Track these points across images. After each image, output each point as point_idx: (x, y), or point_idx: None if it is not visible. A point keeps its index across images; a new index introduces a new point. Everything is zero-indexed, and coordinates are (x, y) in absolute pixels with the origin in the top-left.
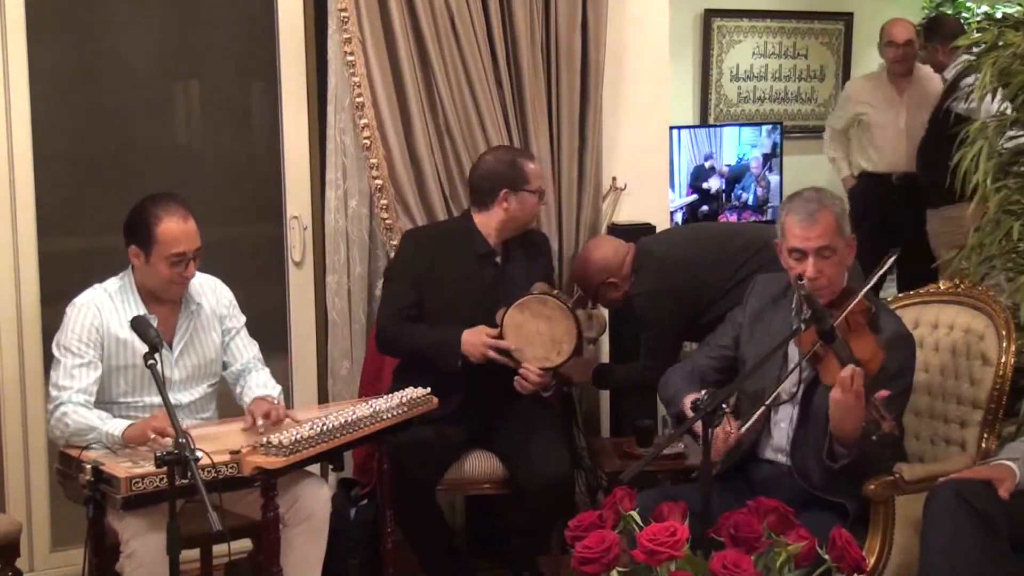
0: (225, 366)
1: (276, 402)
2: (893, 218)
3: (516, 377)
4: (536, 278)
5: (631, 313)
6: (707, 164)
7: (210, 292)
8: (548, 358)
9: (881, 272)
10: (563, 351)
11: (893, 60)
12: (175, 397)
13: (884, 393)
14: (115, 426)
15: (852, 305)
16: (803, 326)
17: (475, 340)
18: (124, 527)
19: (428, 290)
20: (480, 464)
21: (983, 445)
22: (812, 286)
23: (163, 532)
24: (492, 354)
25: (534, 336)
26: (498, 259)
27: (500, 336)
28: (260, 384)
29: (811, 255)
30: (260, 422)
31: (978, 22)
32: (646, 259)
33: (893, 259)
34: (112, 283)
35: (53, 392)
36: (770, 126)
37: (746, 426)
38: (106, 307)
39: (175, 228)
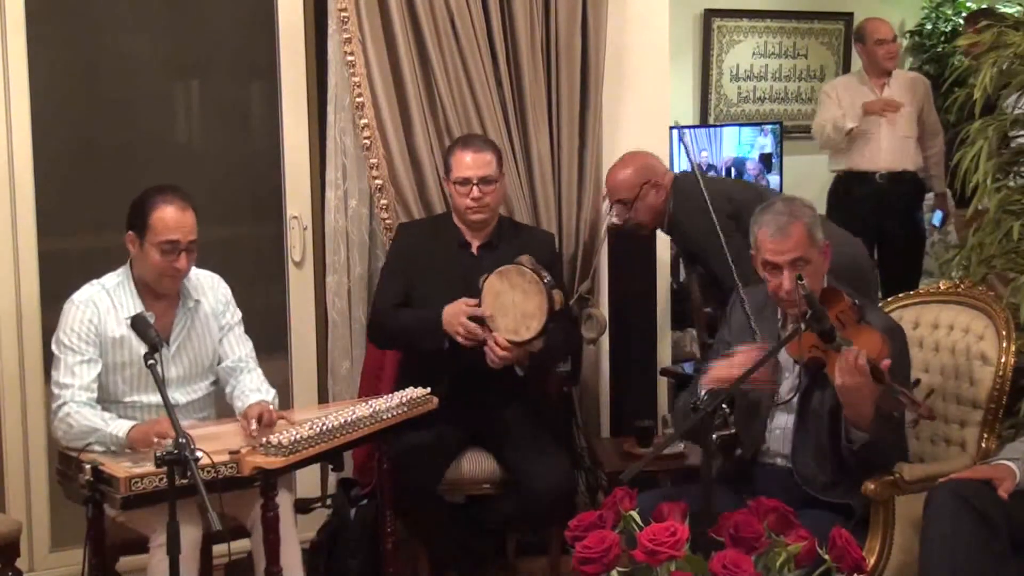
0: (218, 361)
1: (271, 406)
2: (877, 217)
3: (486, 348)
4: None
5: (686, 243)
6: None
7: (209, 289)
8: (517, 331)
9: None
10: (531, 327)
11: (886, 57)
12: (173, 396)
13: (887, 363)
14: (119, 427)
15: (839, 303)
16: (802, 327)
17: (453, 311)
18: (153, 521)
19: (414, 280)
20: (479, 464)
21: (983, 445)
22: (788, 298)
23: (192, 524)
24: (469, 324)
25: (509, 307)
26: (473, 250)
27: (479, 303)
28: (254, 388)
29: (785, 268)
30: (254, 425)
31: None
32: (686, 182)
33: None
34: (110, 279)
35: (56, 391)
36: (770, 126)
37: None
38: (103, 304)
39: (169, 216)
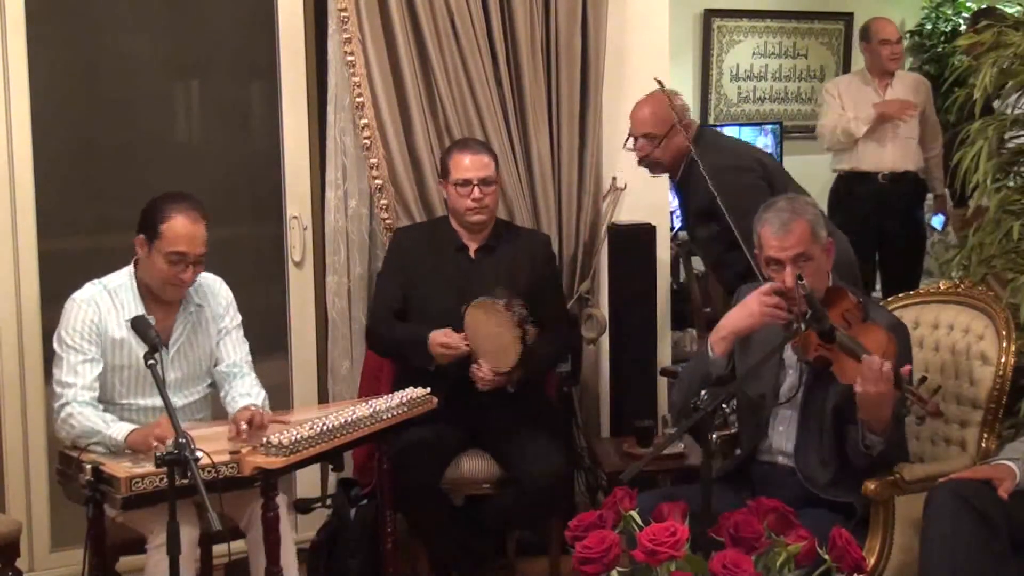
0: (214, 364)
1: (260, 408)
2: (878, 217)
3: (471, 368)
4: (517, 275)
5: (705, 198)
6: None
7: (210, 293)
8: (496, 362)
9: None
10: (507, 360)
11: (889, 57)
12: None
13: (908, 367)
14: (119, 431)
15: (840, 301)
16: (803, 327)
17: (438, 341)
18: (151, 521)
19: (411, 284)
20: (479, 464)
21: (983, 445)
22: (791, 294)
23: (191, 524)
24: (450, 344)
25: (486, 338)
26: (471, 253)
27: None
28: (244, 392)
29: (788, 264)
30: (244, 427)
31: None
32: (713, 136)
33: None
34: (112, 279)
35: (58, 390)
36: (770, 126)
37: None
38: (104, 304)
39: (180, 227)
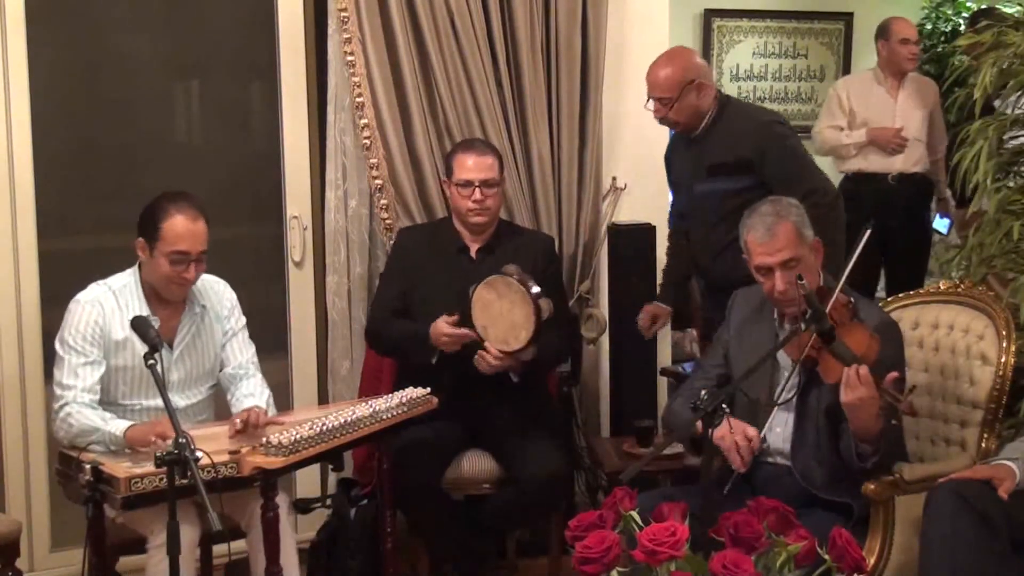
0: (220, 367)
1: (263, 409)
2: (884, 218)
3: (477, 353)
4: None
5: (736, 150)
6: None
7: (214, 295)
8: (507, 341)
9: (856, 255)
10: (520, 337)
11: (907, 58)
12: (172, 399)
13: (894, 375)
14: (117, 427)
15: (832, 300)
16: (803, 327)
17: (442, 331)
18: (151, 521)
19: (413, 285)
20: (479, 463)
21: (983, 445)
22: (783, 298)
23: (191, 524)
24: (454, 331)
25: (497, 317)
26: (472, 254)
27: (469, 314)
28: (248, 393)
29: (777, 269)
30: (238, 424)
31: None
32: (742, 103)
33: (866, 236)
34: (117, 280)
35: (58, 391)
36: None
37: (763, 431)
38: (108, 305)
39: (180, 226)
